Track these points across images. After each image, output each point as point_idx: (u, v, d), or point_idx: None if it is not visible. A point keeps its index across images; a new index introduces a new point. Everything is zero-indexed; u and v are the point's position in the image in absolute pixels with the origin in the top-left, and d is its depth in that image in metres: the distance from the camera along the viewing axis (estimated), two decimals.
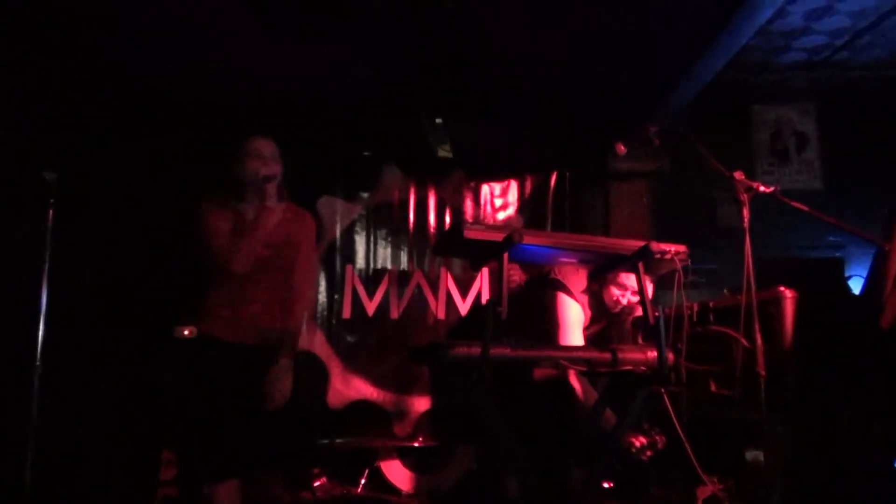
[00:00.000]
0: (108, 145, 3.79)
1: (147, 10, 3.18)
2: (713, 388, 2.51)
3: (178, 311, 3.24)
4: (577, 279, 2.72)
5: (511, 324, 2.60)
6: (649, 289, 2.67)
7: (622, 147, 2.84)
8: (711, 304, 2.58)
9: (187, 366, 2.35)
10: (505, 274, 1.92)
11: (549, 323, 2.65)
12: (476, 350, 1.86)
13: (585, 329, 2.75)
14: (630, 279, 2.62)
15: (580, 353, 2.16)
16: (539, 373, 2.56)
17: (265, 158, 2.47)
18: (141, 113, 3.98)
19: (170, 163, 4.00)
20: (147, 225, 3.88)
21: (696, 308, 2.57)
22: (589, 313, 2.73)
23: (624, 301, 2.68)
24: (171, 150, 4.03)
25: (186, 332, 3.45)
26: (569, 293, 2.66)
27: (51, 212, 2.92)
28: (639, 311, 2.71)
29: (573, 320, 2.64)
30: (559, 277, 2.71)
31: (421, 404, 4.08)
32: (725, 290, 2.73)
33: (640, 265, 2.11)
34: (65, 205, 2.99)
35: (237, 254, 2.38)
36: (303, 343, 4.02)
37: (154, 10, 3.19)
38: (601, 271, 2.53)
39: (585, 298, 2.72)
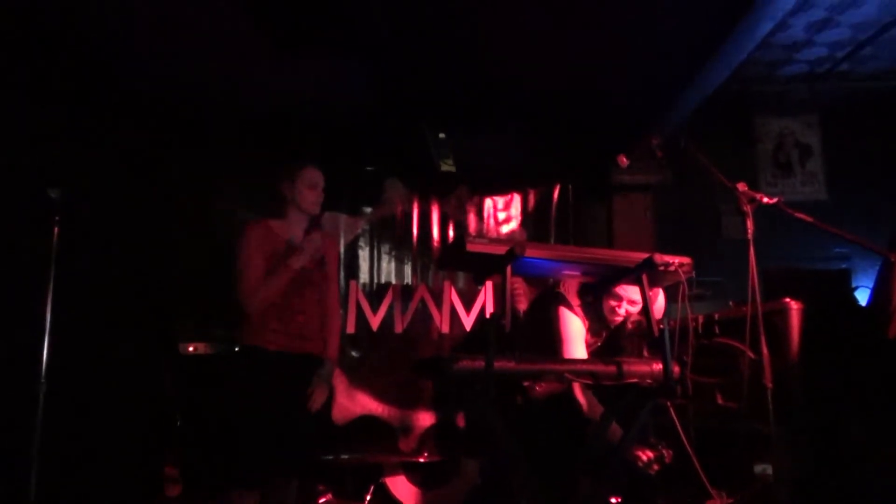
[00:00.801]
0: (113, 161, 3.82)
1: (149, 25, 3.22)
2: (720, 400, 2.51)
3: (184, 327, 3.27)
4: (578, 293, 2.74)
5: (522, 342, 2.63)
6: (661, 299, 2.67)
7: (624, 159, 2.83)
8: (717, 317, 2.59)
9: (207, 380, 2.59)
10: (508, 287, 1.93)
11: (553, 337, 2.66)
12: (480, 363, 1.87)
13: (588, 343, 2.75)
14: (626, 290, 2.62)
15: (585, 367, 2.16)
16: (542, 388, 2.56)
17: (318, 189, 2.67)
18: (146, 129, 4.01)
19: (175, 178, 4.04)
20: (152, 241, 3.89)
21: (701, 320, 2.58)
22: (587, 324, 2.72)
23: (622, 312, 2.68)
24: (176, 166, 4.08)
25: (191, 349, 3.50)
26: (569, 306, 2.66)
27: (56, 229, 2.94)
28: (635, 318, 2.72)
29: (575, 333, 2.64)
30: (562, 291, 2.72)
31: (426, 419, 4.06)
32: (731, 302, 2.73)
33: (645, 277, 2.12)
34: (70, 221, 3.02)
35: (284, 270, 2.54)
36: None
37: (158, 26, 3.23)
38: (605, 284, 2.54)
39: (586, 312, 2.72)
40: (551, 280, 2.85)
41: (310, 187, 2.65)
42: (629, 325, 2.79)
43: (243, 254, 2.55)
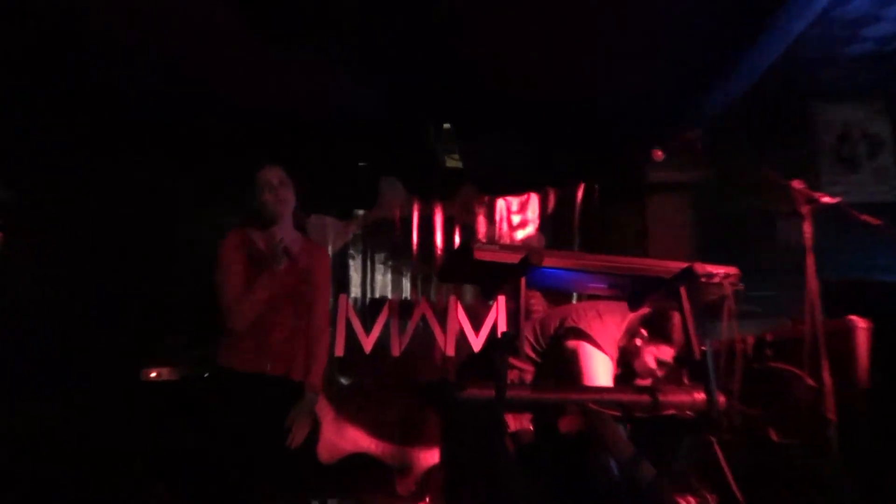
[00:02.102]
0: (75, 166, 3.87)
1: (121, 24, 3.33)
2: (773, 436, 2.51)
3: (148, 351, 3.29)
4: (604, 329, 2.64)
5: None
6: None
7: (660, 154, 2.85)
8: (769, 337, 2.59)
9: (172, 410, 2.69)
10: (523, 302, 1.94)
11: (571, 377, 2.60)
12: (491, 391, 1.88)
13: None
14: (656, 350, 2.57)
15: (613, 395, 2.16)
16: (566, 424, 2.52)
17: (274, 188, 2.75)
18: (112, 133, 4.07)
19: (142, 187, 4.10)
20: (113, 254, 3.94)
21: (750, 341, 2.59)
22: (616, 370, 2.67)
23: (653, 365, 2.61)
24: (143, 174, 4.14)
25: (154, 375, 3.54)
26: (594, 343, 2.60)
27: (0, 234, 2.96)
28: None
29: (599, 372, 2.55)
30: (580, 326, 2.65)
31: (428, 458, 4.05)
32: (786, 320, 2.74)
33: (683, 291, 2.12)
34: (17, 227, 3.03)
35: (259, 287, 2.63)
36: None
37: (124, 24, 3.32)
38: (638, 299, 2.51)
39: (615, 352, 2.65)
40: (573, 303, 2.82)
41: (266, 189, 2.73)
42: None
43: (221, 264, 2.67)
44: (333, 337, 4.20)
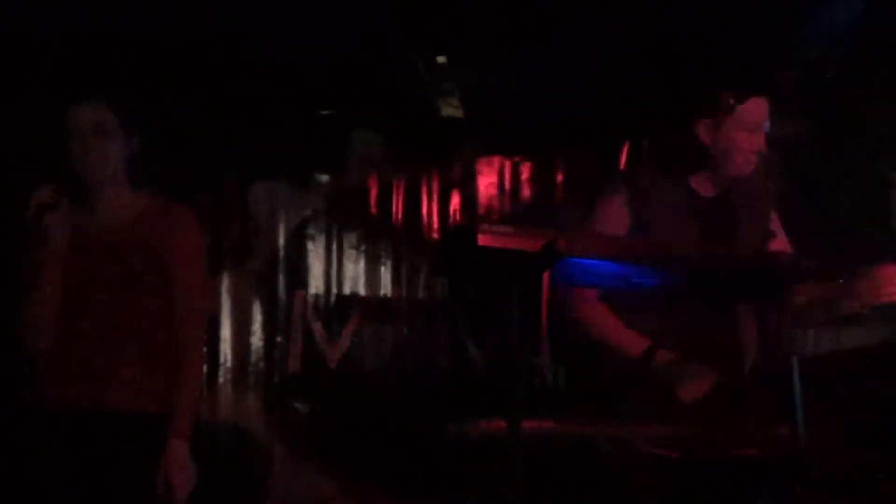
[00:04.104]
0: None
1: None
2: (886, 489, 2.26)
3: None
4: None
5: None
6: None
7: (731, 100, 2.76)
8: (879, 352, 2.44)
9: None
10: (546, 305, 1.88)
11: None
12: (501, 424, 1.82)
13: None
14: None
15: (669, 430, 2.14)
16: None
17: (89, 135, 2.58)
18: None
19: None
20: None
21: (855, 355, 2.46)
22: None
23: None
24: None
25: None
26: None
27: None
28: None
29: None
30: None
31: None
32: None
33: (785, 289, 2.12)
34: None
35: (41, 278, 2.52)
36: (221, 412, 4.06)
37: None
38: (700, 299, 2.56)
39: None
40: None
41: (75, 137, 2.58)
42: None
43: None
44: (286, 347, 4.19)
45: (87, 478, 2.48)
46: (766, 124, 2.74)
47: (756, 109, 2.71)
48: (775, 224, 2.87)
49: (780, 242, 2.79)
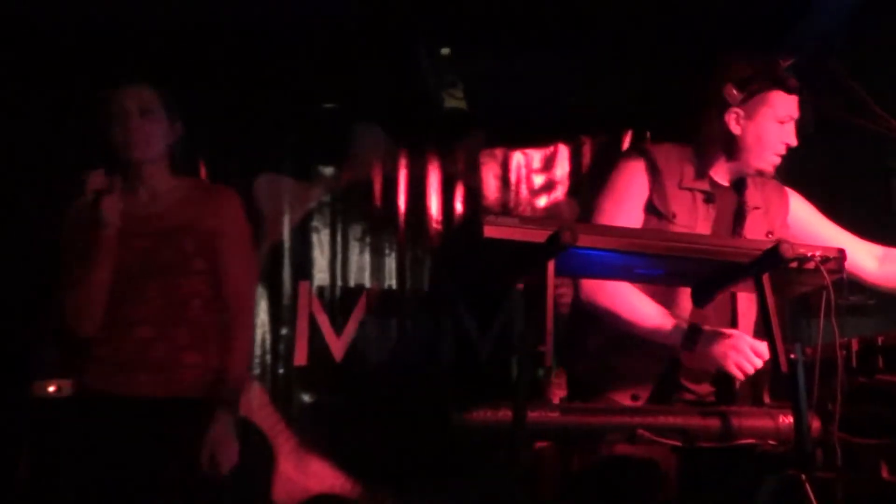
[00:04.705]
0: None
1: None
2: (885, 473, 2.39)
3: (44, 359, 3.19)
4: None
5: None
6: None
7: (734, 91, 2.74)
8: (881, 341, 2.46)
9: (58, 438, 2.61)
10: (551, 296, 1.89)
11: None
12: (506, 414, 1.85)
13: None
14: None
15: (671, 419, 2.12)
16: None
17: (134, 117, 2.58)
18: None
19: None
20: None
21: (856, 347, 2.47)
22: None
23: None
24: None
25: (52, 389, 3.47)
26: None
27: None
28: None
29: None
30: None
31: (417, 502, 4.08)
32: None
33: (766, 279, 2.08)
34: None
35: (95, 263, 2.49)
36: None
37: None
38: (706, 291, 2.47)
39: None
40: None
41: (118, 118, 2.57)
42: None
43: (62, 243, 2.60)
44: (292, 340, 4.25)
45: (139, 463, 2.50)
46: (797, 117, 2.73)
47: (788, 102, 2.70)
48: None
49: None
